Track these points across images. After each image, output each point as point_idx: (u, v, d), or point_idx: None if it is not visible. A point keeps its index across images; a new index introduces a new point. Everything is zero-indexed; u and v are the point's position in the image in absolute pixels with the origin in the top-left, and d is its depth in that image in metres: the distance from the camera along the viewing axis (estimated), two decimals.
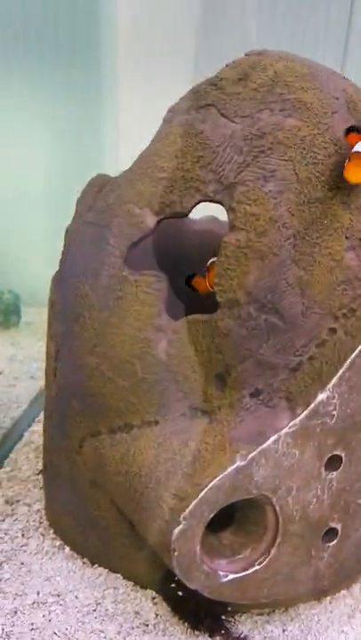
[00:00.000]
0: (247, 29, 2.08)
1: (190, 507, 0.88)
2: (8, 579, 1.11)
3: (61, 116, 2.17)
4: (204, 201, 0.94)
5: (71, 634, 1.01)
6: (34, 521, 1.26)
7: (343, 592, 1.14)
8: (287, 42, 2.06)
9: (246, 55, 1.02)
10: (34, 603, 1.07)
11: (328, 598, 1.13)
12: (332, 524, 0.98)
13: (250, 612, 1.09)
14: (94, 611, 1.06)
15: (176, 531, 0.89)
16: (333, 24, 2.03)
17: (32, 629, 1.01)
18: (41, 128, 2.18)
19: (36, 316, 2.15)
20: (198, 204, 0.94)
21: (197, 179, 0.93)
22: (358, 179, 0.87)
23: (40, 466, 1.42)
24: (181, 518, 0.89)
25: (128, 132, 2.16)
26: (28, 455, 1.47)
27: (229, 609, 1.05)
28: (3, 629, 1.01)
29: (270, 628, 1.07)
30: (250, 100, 0.95)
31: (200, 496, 0.88)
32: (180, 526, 0.89)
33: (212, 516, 0.91)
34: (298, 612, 1.10)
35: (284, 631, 1.06)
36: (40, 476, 1.39)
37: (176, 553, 0.90)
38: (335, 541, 1.00)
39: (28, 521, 1.26)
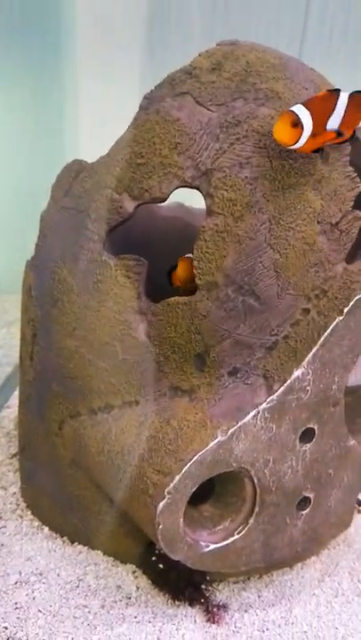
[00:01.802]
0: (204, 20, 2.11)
1: (174, 481, 0.92)
2: None
3: (20, 101, 2.14)
4: (182, 186, 0.96)
5: (55, 610, 1.04)
6: (10, 503, 1.27)
7: (313, 558, 1.21)
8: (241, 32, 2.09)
9: (218, 45, 1.04)
10: (16, 582, 1.09)
11: (299, 564, 1.19)
12: (306, 494, 1.04)
13: (226, 581, 1.14)
14: (77, 587, 1.09)
15: (161, 505, 0.93)
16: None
17: (16, 608, 1.04)
18: None
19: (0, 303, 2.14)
20: (176, 189, 0.97)
21: (175, 165, 0.96)
22: (278, 138, 0.89)
23: (13, 450, 1.44)
24: (166, 493, 0.92)
25: (88, 118, 2.16)
26: (0, 440, 1.48)
27: (208, 578, 1.10)
28: None
29: (246, 595, 1.12)
30: (224, 88, 0.98)
31: (183, 470, 0.92)
32: (165, 500, 0.93)
33: (194, 489, 0.95)
34: (272, 578, 1.16)
35: (259, 597, 1.12)
36: (14, 460, 1.40)
37: (160, 526, 0.93)
38: (308, 509, 1.06)
39: (4, 504, 1.27)
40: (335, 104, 0.93)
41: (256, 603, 1.11)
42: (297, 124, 0.88)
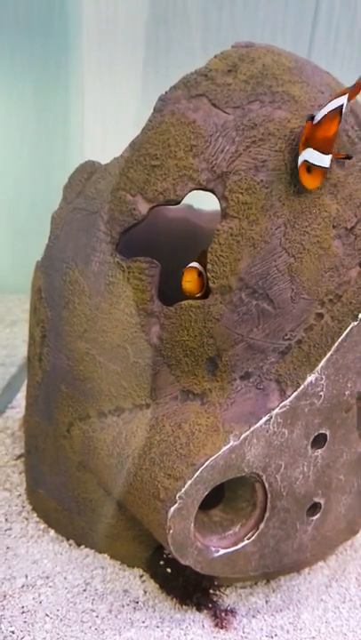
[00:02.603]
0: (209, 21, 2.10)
1: (186, 486, 0.91)
2: None
3: (23, 99, 2.13)
4: (197, 189, 0.96)
5: (63, 615, 1.03)
6: (16, 505, 1.26)
7: (320, 563, 1.21)
8: (247, 34, 2.09)
9: (233, 47, 1.04)
10: (23, 586, 1.08)
11: (306, 569, 1.19)
12: (316, 499, 1.04)
13: (233, 586, 1.13)
14: (84, 591, 1.08)
15: (172, 509, 0.92)
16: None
17: (23, 612, 1.03)
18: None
19: (1, 304, 2.13)
20: (190, 192, 0.96)
21: (190, 167, 0.95)
22: (314, 185, 0.91)
23: (18, 451, 1.43)
24: (177, 497, 0.92)
25: (92, 116, 2.15)
26: (4, 441, 1.47)
27: (216, 583, 1.09)
28: None
29: (254, 600, 1.11)
30: (240, 91, 0.97)
31: (195, 475, 0.92)
32: (176, 505, 0.92)
33: (205, 494, 0.94)
34: (279, 583, 1.15)
35: (267, 602, 1.11)
36: (18, 462, 1.39)
37: (171, 531, 0.93)
38: (318, 515, 1.05)
39: (10, 506, 1.26)
40: None
41: (264, 608, 1.10)
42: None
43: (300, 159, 0.90)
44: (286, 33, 2.06)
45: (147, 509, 0.97)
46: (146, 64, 2.17)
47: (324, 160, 0.89)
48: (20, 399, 1.65)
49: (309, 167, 0.89)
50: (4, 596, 1.05)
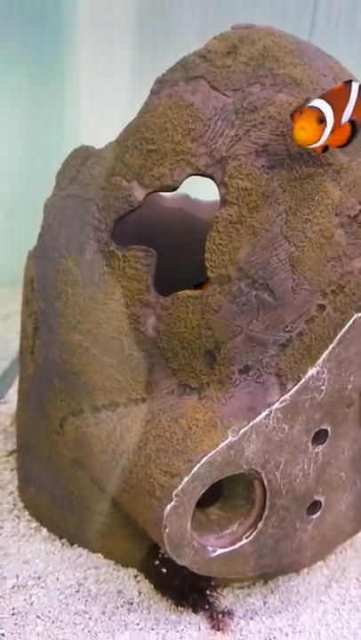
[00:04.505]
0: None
1: (183, 483, 0.88)
2: None
3: (18, 88, 2.08)
4: (195, 175, 0.92)
5: (55, 616, 0.99)
6: (7, 503, 1.23)
7: (319, 563, 1.17)
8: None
9: (233, 29, 1.00)
10: (13, 587, 1.04)
11: (305, 570, 1.15)
12: (317, 497, 1.00)
13: (230, 586, 1.10)
14: (77, 592, 1.04)
15: (168, 507, 0.88)
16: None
17: (14, 614, 0.99)
18: None
19: None
20: (188, 177, 0.93)
21: (188, 152, 0.91)
22: (302, 137, 0.84)
23: (10, 447, 1.39)
24: (173, 495, 0.88)
25: (88, 105, 2.11)
26: None
27: (212, 584, 1.05)
28: None
29: (252, 601, 1.08)
30: (240, 73, 0.93)
31: (192, 472, 0.88)
32: (172, 503, 0.88)
33: (203, 492, 0.90)
34: (277, 584, 1.12)
35: (265, 603, 1.08)
36: (10, 458, 1.35)
37: (167, 530, 0.89)
38: (318, 513, 1.02)
39: (1, 503, 1.23)
40: (349, 95, 0.89)
41: (262, 609, 1.07)
42: (322, 120, 0.84)
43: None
44: (286, 21, 2.02)
45: (142, 507, 0.94)
46: (142, 52, 2.13)
47: (329, 113, 0.83)
48: (12, 394, 1.61)
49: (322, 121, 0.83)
50: None
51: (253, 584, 1.11)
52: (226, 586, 1.09)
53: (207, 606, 1.04)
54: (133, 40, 2.13)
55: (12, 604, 1.01)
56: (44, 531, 1.17)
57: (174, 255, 1.28)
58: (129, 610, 1.02)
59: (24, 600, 1.02)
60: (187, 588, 1.03)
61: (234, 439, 0.89)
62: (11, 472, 1.31)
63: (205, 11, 2.09)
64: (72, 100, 2.13)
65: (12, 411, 1.51)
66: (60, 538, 1.15)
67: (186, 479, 0.88)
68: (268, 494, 0.95)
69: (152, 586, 1.07)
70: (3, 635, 0.95)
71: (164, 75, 0.97)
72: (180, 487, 0.88)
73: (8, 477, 1.30)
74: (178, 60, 0.97)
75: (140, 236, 1.21)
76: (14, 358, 1.72)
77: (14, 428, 1.44)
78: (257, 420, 0.90)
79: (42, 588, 1.04)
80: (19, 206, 2.15)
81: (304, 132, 0.83)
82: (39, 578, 1.06)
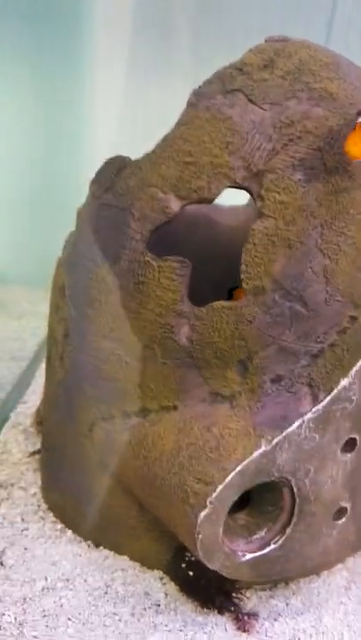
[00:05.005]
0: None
1: (217, 491, 0.90)
2: (12, 565, 1.10)
3: (34, 88, 2.08)
4: (232, 187, 0.93)
5: (85, 618, 1.01)
6: (32, 504, 1.24)
7: (339, 565, 1.20)
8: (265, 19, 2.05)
9: (267, 41, 1.01)
10: (43, 589, 1.06)
11: (325, 572, 1.18)
12: (343, 503, 1.02)
13: (253, 588, 1.12)
14: (105, 594, 1.06)
15: (202, 515, 0.90)
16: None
17: (45, 616, 1.01)
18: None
19: (8, 295, 2.08)
20: (224, 189, 0.94)
21: (226, 165, 0.93)
22: (355, 152, 0.87)
23: (31, 448, 1.40)
24: (208, 502, 0.90)
25: (103, 104, 2.11)
26: (17, 438, 1.44)
27: (237, 586, 1.08)
28: (15, 618, 1.00)
29: (275, 602, 1.10)
30: (277, 87, 0.95)
31: (227, 480, 0.90)
32: (206, 510, 0.90)
33: (235, 499, 0.92)
34: (299, 585, 1.14)
35: (287, 605, 1.10)
36: (32, 459, 1.37)
37: (200, 536, 0.91)
38: (344, 519, 1.04)
39: (25, 505, 1.24)
40: None
41: (285, 611, 1.09)
42: None
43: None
44: (301, 21, 2.03)
45: (174, 513, 0.96)
46: (157, 49, 2.13)
47: None
48: (31, 394, 1.62)
49: None
50: (25, 600, 1.03)
51: (275, 586, 1.14)
52: (249, 588, 1.12)
53: (233, 608, 1.06)
54: (148, 36, 2.13)
55: (43, 605, 1.02)
56: (69, 532, 1.18)
57: (197, 260, 1.30)
58: (157, 611, 1.04)
59: (54, 602, 1.03)
60: (213, 590, 1.05)
61: (267, 448, 0.91)
62: (34, 473, 1.32)
63: (220, 9, 2.08)
64: (87, 98, 2.13)
65: (32, 411, 1.53)
66: (86, 540, 1.17)
67: (220, 487, 0.90)
68: (297, 501, 0.97)
69: (177, 588, 1.09)
70: (35, 637, 0.96)
71: (200, 87, 0.98)
72: (214, 495, 0.90)
73: (31, 478, 1.31)
74: (214, 73, 0.98)
75: (162, 241, 1.22)
76: (32, 358, 1.73)
77: (34, 429, 1.46)
78: (290, 429, 0.92)
79: (71, 590, 1.06)
80: (27, 208, 2.16)
81: (357, 147, 0.85)
82: (67, 580, 1.08)
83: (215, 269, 1.27)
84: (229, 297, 1.08)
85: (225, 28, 2.11)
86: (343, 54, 1.04)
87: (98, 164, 1.04)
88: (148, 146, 0.98)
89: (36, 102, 2.14)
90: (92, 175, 1.05)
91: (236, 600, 1.07)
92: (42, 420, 1.25)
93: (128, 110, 2.16)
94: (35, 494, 1.27)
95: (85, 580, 1.08)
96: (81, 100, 2.16)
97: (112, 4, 2.12)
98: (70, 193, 2.14)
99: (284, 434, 0.92)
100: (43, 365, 1.75)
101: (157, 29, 2.13)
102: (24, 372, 1.67)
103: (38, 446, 1.39)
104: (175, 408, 0.99)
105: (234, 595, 1.07)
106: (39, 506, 1.24)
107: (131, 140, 2.11)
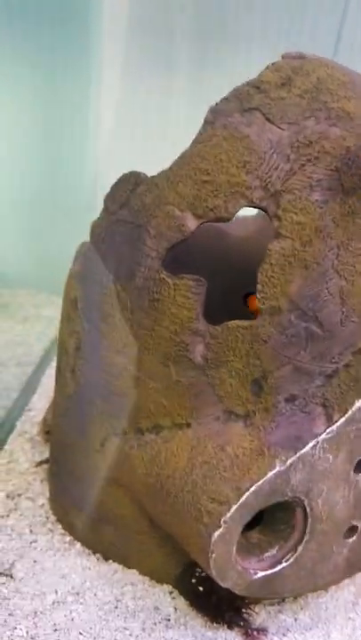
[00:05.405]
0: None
1: (231, 511, 0.90)
2: (22, 578, 1.10)
3: (43, 82, 2.07)
4: (249, 207, 0.93)
5: (96, 633, 1.01)
6: (40, 516, 1.24)
7: (346, 581, 1.20)
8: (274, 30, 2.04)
9: (284, 58, 1.01)
10: (54, 602, 1.06)
11: (333, 587, 1.18)
12: (354, 522, 1.03)
13: (262, 603, 1.13)
14: (116, 608, 1.06)
15: (216, 534, 0.90)
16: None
17: (56, 630, 1.01)
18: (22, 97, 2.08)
19: (12, 298, 2.08)
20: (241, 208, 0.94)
21: (243, 184, 0.92)
22: None
23: (37, 457, 1.40)
24: (222, 522, 0.90)
25: (110, 108, 2.10)
26: (24, 446, 1.44)
27: (246, 601, 1.08)
28: (27, 632, 1.00)
29: (283, 617, 1.11)
30: (295, 106, 0.94)
31: (241, 500, 0.90)
32: (220, 530, 0.90)
33: (249, 519, 0.93)
34: (307, 601, 1.15)
35: (296, 620, 1.11)
36: (39, 469, 1.37)
37: (214, 555, 0.91)
38: (354, 537, 1.04)
39: (34, 516, 1.24)
40: None
41: (293, 626, 1.10)
42: None
43: None
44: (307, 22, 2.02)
45: (187, 531, 0.96)
46: (159, 50, 2.12)
47: None
48: (36, 402, 1.62)
49: None
50: (36, 613, 1.03)
51: (283, 601, 1.14)
52: (258, 603, 1.12)
53: (242, 623, 1.06)
54: (157, 40, 2.11)
55: (54, 619, 1.03)
56: (78, 545, 1.18)
57: (207, 271, 1.29)
58: (167, 626, 1.05)
59: (65, 616, 1.03)
60: (224, 606, 1.06)
61: (282, 469, 0.91)
62: (41, 483, 1.32)
63: (227, 13, 2.07)
64: (94, 102, 2.12)
65: (38, 419, 1.52)
66: (95, 552, 1.17)
67: (234, 507, 0.90)
68: (309, 520, 0.97)
69: (187, 602, 1.09)
70: None
71: (217, 104, 0.97)
72: (228, 515, 0.90)
73: (38, 489, 1.31)
74: (231, 90, 0.98)
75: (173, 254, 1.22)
76: (38, 363, 1.73)
77: (41, 438, 1.46)
78: (304, 450, 0.92)
79: (81, 604, 1.06)
80: (32, 211, 2.15)
81: None
82: (77, 594, 1.08)
83: (225, 280, 1.26)
84: (244, 303, 1.08)
85: (228, 28, 2.10)
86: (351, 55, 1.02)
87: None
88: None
89: (38, 103, 2.13)
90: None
91: (245, 615, 1.07)
92: (51, 431, 1.25)
93: (130, 111, 2.15)
94: (43, 505, 1.27)
95: (95, 594, 1.08)
96: (83, 101, 2.15)
97: (116, 2, 2.11)
98: (74, 195, 2.14)
99: (298, 454, 0.92)
100: (48, 371, 1.76)
101: (159, 30, 2.12)
102: (30, 378, 1.66)
103: (45, 455, 1.39)
104: (188, 425, 0.99)
105: (243, 610, 1.08)
106: (47, 517, 1.24)
107: (132, 140, 2.10)
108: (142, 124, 2.12)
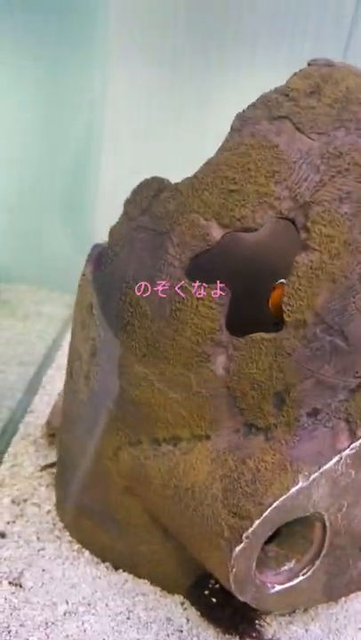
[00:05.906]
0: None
1: (253, 526, 0.89)
2: (32, 587, 1.08)
3: (46, 82, 2.03)
4: (277, 218, 0.91)
5: None
6: (47, 522, 1.22)
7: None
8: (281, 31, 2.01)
9: (310, 65, 0.99)
10: (65, 613, 1.04)
11: (343, 598, 1.18)
12: None
13: (273, 614, 1.12)
14: (128, 619, 1.05)
15: (237, 549, 0.89)
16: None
17: None
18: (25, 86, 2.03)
19: (12, 294, 2.04)
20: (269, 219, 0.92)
21: (272, 194, 0.90)
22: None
23: (42, 461, 1.38)
24: (244, 537, 0.89)
25: (115, 104, 2.07)
26: (28, 449, 1.41)
27: (259, 612, 1.07)
28: None
29: (294, 629, 1.10)
30: (325, 115, 0.92)
31: (263, 515, 0.89)
32: (242, 545, 0.89)
33: (270, 534, 0.92)
34: (317, 612, 1.15)
35: (307, 631, 1.10)
36: (44, 473, 1.34)
37: (234, 570, 0.90)
38: None
39: (40, 522, 1.22)
40: None
41: (305, 637, 1.09)
42: None
43: None
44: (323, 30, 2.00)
45: (206, 545, 0.94)
46: (163, 46, 2.09)
47: None
48: (38, 403, 1.59)
49: None
50: (47, 624, 1.01)
51: (294, 611, 1.14)
52: (269, 614, 1.11)
53: (255, 634, 1.06)
54: (164, 38, 2.08)
55: (66, 630, 1.01)
56: (87, 553, 1.17)
57: (222, 274, 1.28)
58: (180, 637, 1.04)
59: (77, 627, 1.02)
60: (238, 618, 1.05)
61: (304, 484, 0.90)
62: (47, 488, 1.30)
63: (240, 12, 2.05)
64: (100, 96, 2.08)
65: (41, 421, 1.50)
66: (104, 561, 1.15)
67: (257, 522, 0.89)
68: (327, 534, 0.97)
69: (199, 613, 1.08)
70: None
71: (244, 111, 0.95)
72: (250, 530, 0.89)
73: (44, 494, 1.29)
74: (259, 97, 0.95)
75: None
76: (40, 363, 1.70)
77: (45, 441, 1.43)
78: (327, 465, 0.91)
79: (93, 614, 1.05)
80: (30, 207, 2.11)
81: None
82: (89, 604, 1.06)
83: (238, 283, 1.25)
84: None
85: (231, 28, 2.08)
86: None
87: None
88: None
89: (40, 96, 2.09)
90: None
91: (258, 627, 1.07)
92: (59, 436, 1.23)
93: (132, 110, 2.12)
94: (49, 512, 1.25)
95: (107, 605, 1.07)
96: (85, 97, 2.11)
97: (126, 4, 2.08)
98: (75, 192, 2.11)
99: (321, 470, 0.91)
100: (50, 372, 1.73)
101: (163, 25, 2.09)
102: (32, 378, 1.63)
103: (50, 459, 1.37)
104: (208, 437, 0.98)
105: (257, 621, 1.07)
106: (54, 524, 1.22)
107: (133, 141, 2.07)
108: (143, 121, 2.09)
